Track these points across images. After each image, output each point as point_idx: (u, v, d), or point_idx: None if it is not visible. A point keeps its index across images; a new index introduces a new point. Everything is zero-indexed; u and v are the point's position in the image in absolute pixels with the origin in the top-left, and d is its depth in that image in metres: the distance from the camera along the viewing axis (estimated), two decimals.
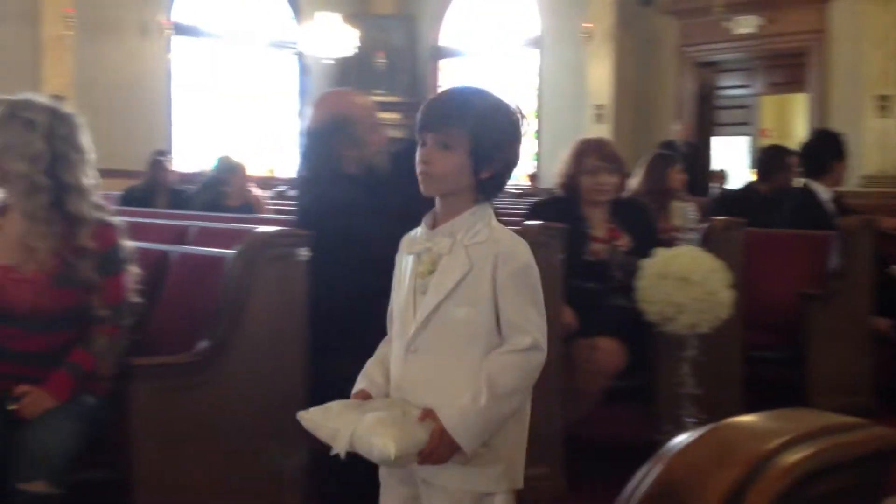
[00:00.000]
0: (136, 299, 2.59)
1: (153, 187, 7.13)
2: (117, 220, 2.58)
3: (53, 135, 2.45)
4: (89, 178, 2.51)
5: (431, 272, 1.79)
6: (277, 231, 2.75)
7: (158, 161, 7.35)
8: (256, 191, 6.68)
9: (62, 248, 2.44)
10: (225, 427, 2.54)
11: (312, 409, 1.80)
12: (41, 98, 2.53)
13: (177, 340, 2.60)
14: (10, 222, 2.50)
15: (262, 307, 2.64)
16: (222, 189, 6.31)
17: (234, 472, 2.56)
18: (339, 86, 10.00)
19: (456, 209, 1.81)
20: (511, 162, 1.83)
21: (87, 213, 2.47)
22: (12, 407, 2.32)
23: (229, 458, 2.55)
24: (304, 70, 13.20)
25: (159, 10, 11.64)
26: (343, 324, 2.78)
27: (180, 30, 11.97)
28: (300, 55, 13.07)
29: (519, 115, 1.84)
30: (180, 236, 3.72)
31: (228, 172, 6.43)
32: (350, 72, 12.49)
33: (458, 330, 1.77)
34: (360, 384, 1.86)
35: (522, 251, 1.80)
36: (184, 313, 2.76)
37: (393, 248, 1.93)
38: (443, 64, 13.64)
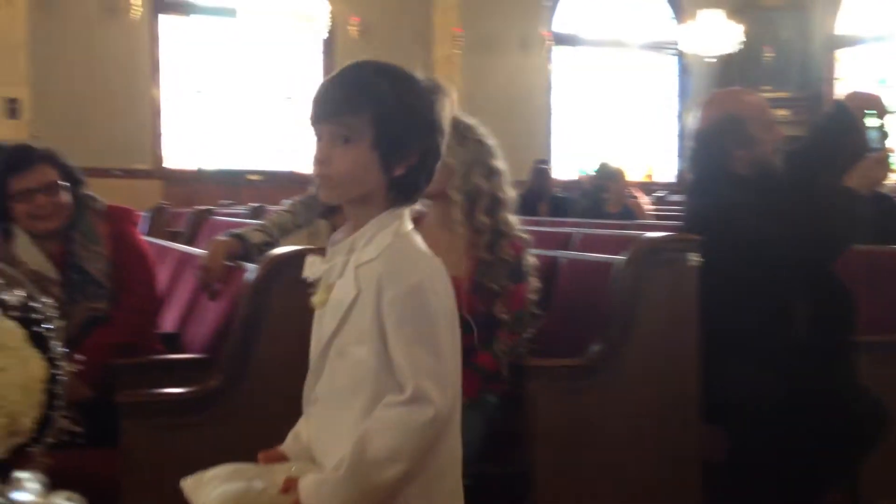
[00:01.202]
0: (535, 310, 2.77)
1: (536, 195, 7.50)
2: (524, 231, 2.79)
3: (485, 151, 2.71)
4: (507, 192, 2.74)
5: (325, 302, 1.53)
6: (666, 236, 2.80)
7: (541, 169, 7.72)
8: (637, 196, 6.75)
9: (478, 257, 2.68)
10: (618, 429, 2.64)
11: (198, 474, 1.58)
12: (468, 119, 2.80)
13: (569, 343, 2.74)
14: (424, 230, 2.79)
15: (653, 312, 2.70)
16: (602, 195, 6.47)
17: (627, 473, 2.65)
18: (722, 84, 9.76)
19: (365, 218, 1.51)
20: (430, 151, 1.53)
21: (508, 225, 2.70)
22: None
23: (622, 459, 2.64)
24: (683, 70, 13.06)
25: (540, 22, 12.19)
26: (737, 326, 2.76)
27: (560, 40, 12.44)
28: (680, 55, 12.95)
29: (436, 93, 1.54)
30: (564, 243, 3.90)
31: (608, 179, 6.58)
32: (733, 69, 12.14)
33: (347, 374, 1.49)
34: (287, 442, 1.64)
35: (410, 270, 1.46)
36: (574, 317, 2.90)
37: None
38: (840, 54, 12.75)
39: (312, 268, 1.56)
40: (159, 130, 10.78)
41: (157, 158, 10.73)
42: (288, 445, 1.63)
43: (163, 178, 10.57)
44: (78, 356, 2.02)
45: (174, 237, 5.25)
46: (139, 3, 10.27)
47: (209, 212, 5.97)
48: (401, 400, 1.42)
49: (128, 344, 2.79)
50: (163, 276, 3.37)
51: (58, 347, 1.87)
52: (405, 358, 1.43)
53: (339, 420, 1.48)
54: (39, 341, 1.81)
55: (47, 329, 1.87)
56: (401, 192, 1.52)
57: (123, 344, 2.77)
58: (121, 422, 2.27)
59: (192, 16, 10.97)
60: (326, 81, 1.55)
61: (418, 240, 1.53)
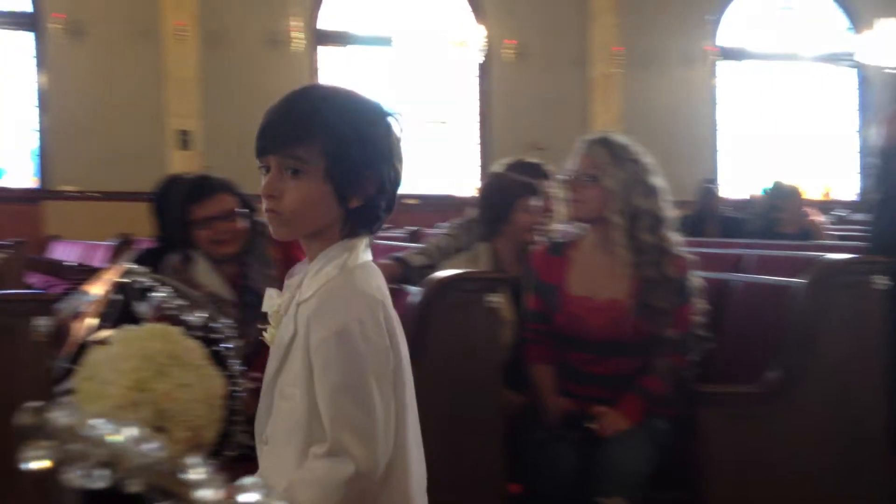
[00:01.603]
0: (701, 332, 2.71)
1: (703, 216, 7.32)
2: (687, 251, 2.74)
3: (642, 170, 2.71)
4: (667, 209, 2.71)
5: (273, 340, 1.47)
6: (850, 258, 2.69)
7: (708, 189, 7.54)
8: (814, 216, 6.48)
9: (641, 277, 2.66)
10: (795, 461, 2.54)
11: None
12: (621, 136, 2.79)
13: (743, 369, 2.66)
14: (581, 254, 2.79)
15: (834, 338, 2.59)
16: (776, 216, 6.24)
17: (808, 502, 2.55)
18: None
19: (319, 251, 1.43)
20: (387, 179, 1.43)
21: (671, 243, 2.67)
22: (591, 426, 2.59)
23: (800, 492, 2.54)
24: (863, 83, 12.47)
25: (704, 37, 11.95)
26: None
27: (725, 54, 12.15)
28: (858, 67, 12.37)
29: (391, 118, 1.47)
30: (735, 265, 3.79)
31: (783, 198, 6.34)
32: None
33: (285, 417, 1.41)
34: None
35: (339, 311, 1.35)
36: (748, 342, 2.81)
37: None
38: None
39: (269, 302, 1.51)
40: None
41: None
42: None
43: None
44: (254, 374, 2.12)
45: None
46: (300, 35, 10.74)
47: None
48: (321, 453, 1.34)
49: None
50: None
51: (236, 365, 1.99)
52: (328, 407, 1.34)
53: (279, 463, 1.41)
54: (219, 360, 1.93)
55: (226, 348, 1.99)
56: (358, 223, 1.43)
57: None
58: None
59: (349, 46, 11.39)
60: (272, 110, 1.48)
61: (365, 274, 1.42)
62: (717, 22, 12.08)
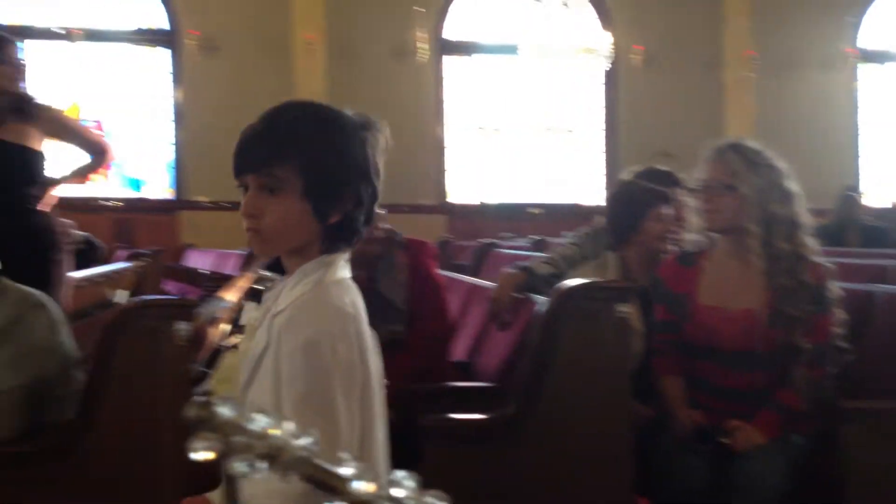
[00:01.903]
0: (841, 344, 2.61)
1: (844, 224, 7.05)
2: (826, 261, 2.65)
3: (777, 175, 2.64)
4: (804, 214, 2.63)
5: (246, 352, 1.47)
6: None
7: (849, 196, 7.26)
8: None
9: (776, 284, 2.59)
10: None
11: None
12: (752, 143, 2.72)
13: (887, 384, 2.56)
14: (713, 263, 2.73)
15: None
16: None
17: None
18: None
19: (298, 266, 1.45)
20: (365, 194, 1.45)
21: (807, 249, 2.59)
22: (724, 440, 2.53)
23: None
24: None
25: (844, 39, 11.51)
26: None
27: (867, 56, 11.67)
28: None
29: (368, 129, 1.47)
30: (880, 275, 3.64)
31: None
32: None
33: None
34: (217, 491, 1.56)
35: (310, 323, 1.37)
36: (893, 356, 2.69)
37: None
38: None
39: (247, 314, 1.55)
40: (444, 167, 11.33)
41: (442, 194, 11.29)
42: (215, 495, 1.58)
43: (446, 213, 11.09)
44: (384, 380, 2.18)
45: (459, 270, 5.48)
46: (426, 46, 10.90)
47: (493, 245, 6.17)
48: None
49: (424, 368, 2.96)
50: (453, 306, 3.54)
51: None
52: (292, 417, 1.32)
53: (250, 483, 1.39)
54: None
55: None
56: (337, 238, 1.46)
57: (420, 368, 2.95)
58: (422, 444, 2.41)
59: (474, 55, 11.48)
60: (248, 129, 1.48)
61: (340, 290, 1.45)
62: (857, 23, 11.61)
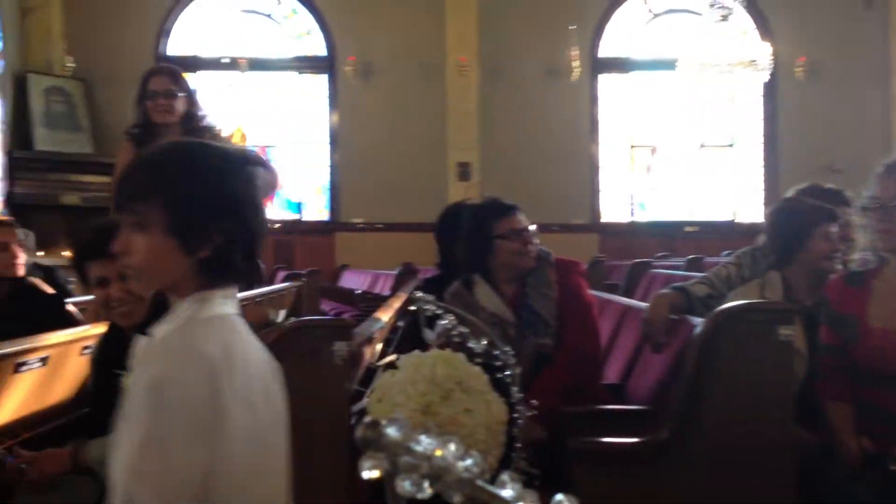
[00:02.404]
0: None
1: None
2: None
3: None
4: None
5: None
6: None
7: None
8: None
9: None
10: None
11: None
12: None
13: None
14: (884, 284, 2.60)
15: None
16: None
17: None
18: None
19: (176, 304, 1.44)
20: (238, 227, 1.43)
21: None
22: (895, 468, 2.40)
23: None
24: None
25: None
26: None
27: None
28: None
29: (247, 164, 1.45)
30: None
31: None
32: None
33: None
34: None
35: (160, 361, 1.34)
36: None
37: None
38: None
39: (135, 348, 1.52)
40: (597, 186, 11.25)
41: (595, 213, 11.19)
42: None
43: (598, 232, 10.99)
44: (533, 401, 2.18)
45: (611, 290, 5.42)
46: (579, 64, 10.86)
47: (646, 264, 6.06)
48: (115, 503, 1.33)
49: (572, 386, 2.95)
50: (605, 327, 3.50)
51: (516, 393, 2.05)
52: (126, 455, 1.32)
53: None
54: (500, 386, 2.01)
55: (507, 375, 2.06)
56: (210, 275, 1.44)
57: (569, 385, 2.94)
58: (573, 467, 2.39)
59: (631, 73, 11.37)
60: (126, 167, 1.51)
61: (210, 327, 1.41)
62: None
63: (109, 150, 9.10)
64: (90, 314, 3.54)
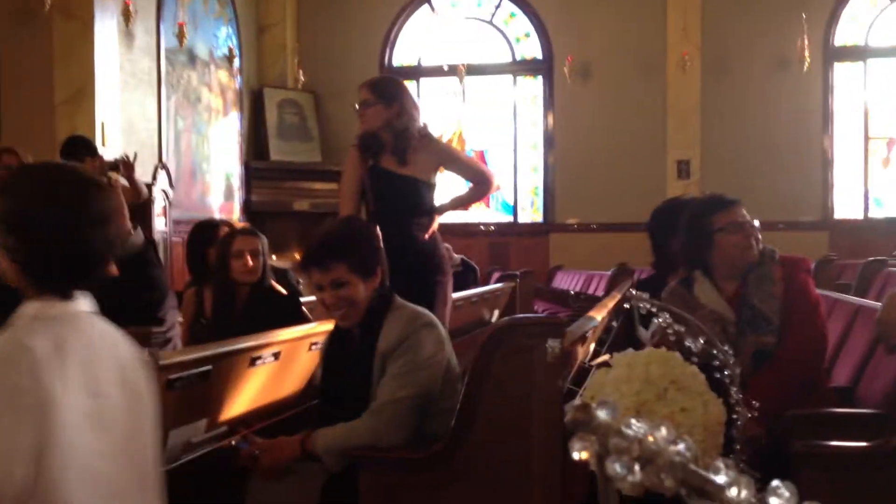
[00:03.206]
0: None
1: None
2: None
3: None
4: None
5: None
6: None
7: None
8: None
9: None
10: None
11: None
12: None
13: None
14: None
15: None
16: None
17: None
18: None
19: None
20: (55, 240, 1.63)
21: None
22: None
23: None
24: None
25: None
26: None
27: None
28: None
29: (73, 183, 1.66)
30: None
31: None
32: None
33: None
34: None
35: None
36: None
37: None
38: None
39: None
40: (830, 181, 10.63)
41: (827, 209, 10.58)
42: None
43: (829, 230, 10.38)
44: (753, 402, 2.09)
45: (842, 289, 5.10)
46: (811, 54, 10.29)
47: (881, 263, 5.67)
48: None
49: (795, 386, 2.81)
50: (834, 328, 3.31)
51: (735, 393, 1.97)
52: None
53: None
54: (718, 386, 1.94)
55: (726, 375, 1.98)
56: (42, 283, 1.65)
57: (791, 386, 2.80)
58: (796, 471, 2.30)
59: (867, 60, 10.68)
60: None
61: (33, 328, 1.59)
62: None
63: (337, 159, 9.57)
64: (318, 313, 3.72)
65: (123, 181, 5.07)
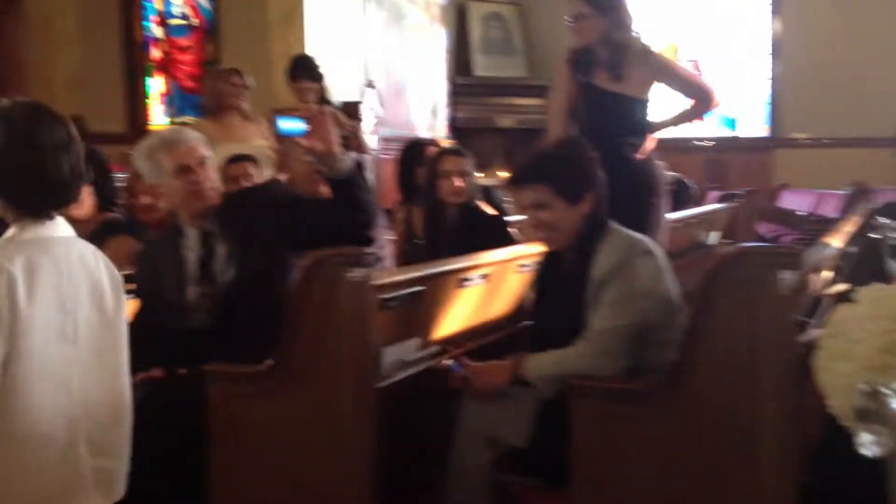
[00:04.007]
0: None
1: None
2: None
3: None
4: None
5: None
6: None
7: None
8: None
9: None
10: None
11: None
12: None
13: None
14: None
15: None
16: None
17: None
18: None
19: None
20: (16, 171, 1.92)
21: None
22: None
23: None
24: None
25: None
26: None
27: None
28: None
29: (26, 118, 1.93)
30: None
31: None
32: None
33: None
34: None
35: None
36: None
37: None
38: None
39: None
40: None
41: None
42: None
43: None
44: None
45: None
46: None
47: None
48: None
49: None
50: None
51: None
52: None
53: None
54: None
55: None
56: (13, 208, 1.96)
57: None
58: None
59: None
60: None
61: (12, 247, 1.90)
62: None
63: (543, 73, 9.43)
64: (525, 233, 3.72)
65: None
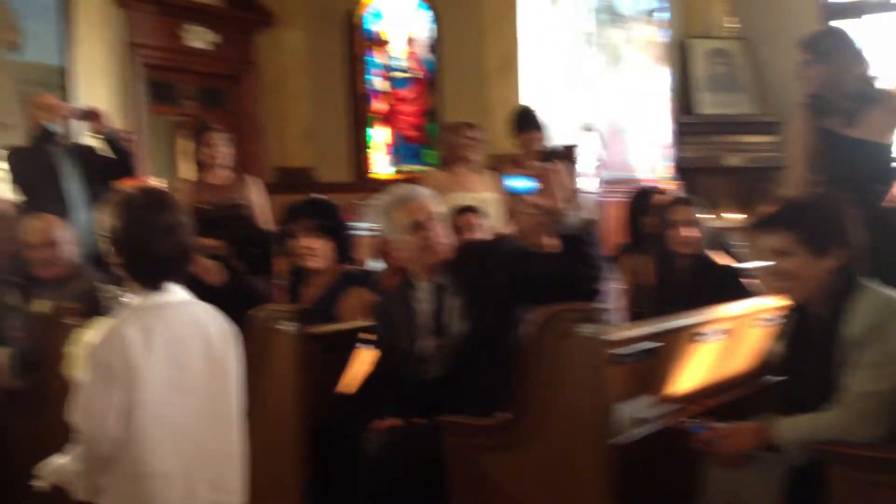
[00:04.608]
0: None
1: None
2: None
3: None
4: None
5: None
6: None
7: None
8: None
9: None
10: None
11: None
12: None
13: None
14: None
15: None
16: None
17: None
18: None
19: None
20: (134, 249, 2.26)
21: None
22: None
23: None
24: None
25: None
26: None
27: None
28: None
29: (144, 205, 2.25)
30: None
31: None
32: None
33: None
34: None
35: (98, 335, 2.17)
36: None
37: None
38: None
39: None
40: None
41: None
42: None
43: None
44: None
45: None
46: None
47: None
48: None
49: None
50: None
51: None
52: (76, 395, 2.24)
53: None
54: None
55: None
56: (134, 279, 2.26)
57: None
58: None
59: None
60: None
61: (126, 317, 2.20)
62: None
63: (773, 109, 9.12)
64: (762, 280, 3.61)
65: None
